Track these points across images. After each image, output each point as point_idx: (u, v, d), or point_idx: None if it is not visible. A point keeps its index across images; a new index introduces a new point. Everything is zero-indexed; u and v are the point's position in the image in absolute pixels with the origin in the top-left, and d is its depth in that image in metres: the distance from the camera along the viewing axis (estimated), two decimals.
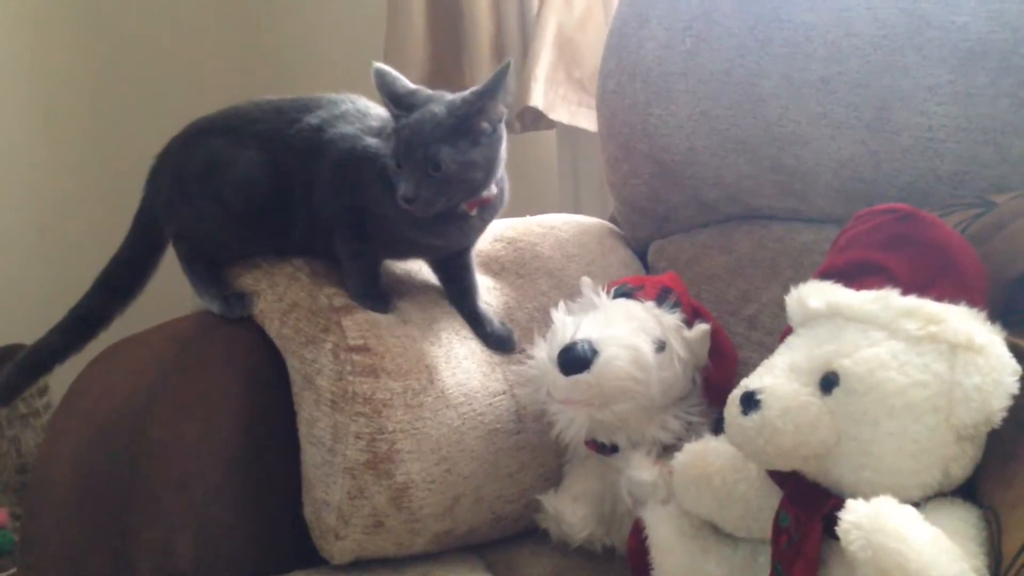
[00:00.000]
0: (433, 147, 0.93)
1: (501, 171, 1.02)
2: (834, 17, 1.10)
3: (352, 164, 1.02)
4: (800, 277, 1.11)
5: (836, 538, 0.72)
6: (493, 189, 1.02)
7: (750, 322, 1.18)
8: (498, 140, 0.99)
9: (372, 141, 1.02)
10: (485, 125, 0.97)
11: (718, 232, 1.26)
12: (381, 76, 0.99)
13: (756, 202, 1.22)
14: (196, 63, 2.20)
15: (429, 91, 1.00)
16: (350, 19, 2.06)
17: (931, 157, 1.06)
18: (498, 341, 1.11)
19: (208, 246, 1.07)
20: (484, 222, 1.06)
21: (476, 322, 1.11)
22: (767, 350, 1.10)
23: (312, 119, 1.04)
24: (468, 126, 0.96)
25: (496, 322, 1.12)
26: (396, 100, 0.98)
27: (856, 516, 0.71)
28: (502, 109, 0.98)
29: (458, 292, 1.11)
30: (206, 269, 1.08)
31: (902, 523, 0.70)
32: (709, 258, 1.25)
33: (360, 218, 1.03)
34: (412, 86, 1.00)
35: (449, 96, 0.98)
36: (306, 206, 1.04)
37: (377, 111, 1.07)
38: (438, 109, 0.96)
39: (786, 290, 0.90)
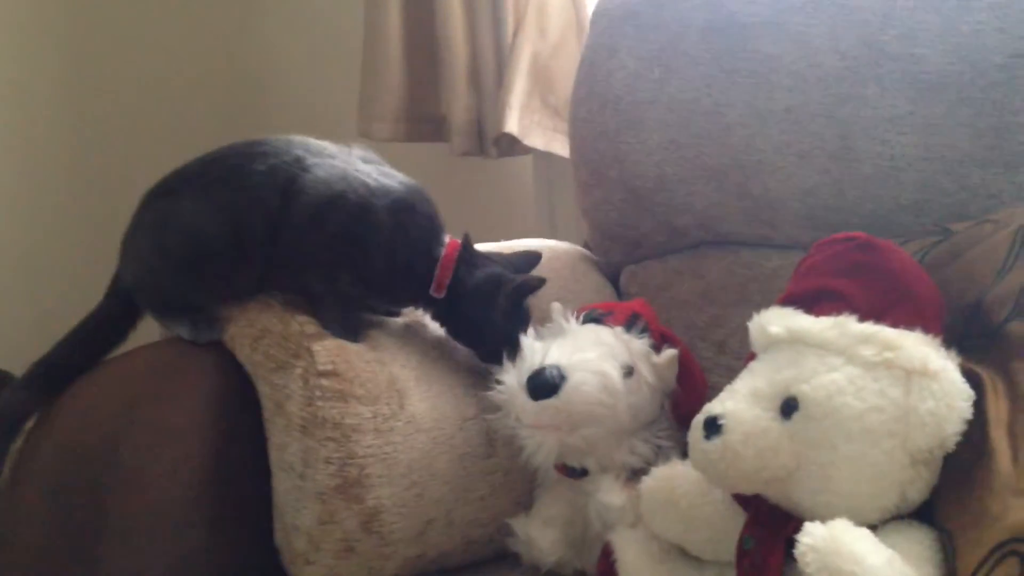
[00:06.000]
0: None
1: None
2: (797, 49, 1.12)
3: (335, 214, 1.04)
4: (769, 302, 1.11)
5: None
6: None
7: (719, 347, 1.19)
8: None
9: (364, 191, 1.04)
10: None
11: (689, 258, 1.28)
12: None
13: (726, 228, 1.24)
14: (163, 83, 2.22)
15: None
16: (326, 45, 2.07)
17: (892, 186, 1.09)
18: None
19: (158, 294, 1.08)
20: None
21: None
22: (735, 374, 1.12)
23: (275, 161, 1.05)
24: None
25: None
26: None
27: (813, 539, 0.72)
28: None
29: None
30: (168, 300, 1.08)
31: (857, 546, 0.71)
32: (680, 284, 1.27)
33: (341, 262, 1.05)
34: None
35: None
36: (265, 250, 1.04)
37: (332, 149, 1.08)
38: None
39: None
